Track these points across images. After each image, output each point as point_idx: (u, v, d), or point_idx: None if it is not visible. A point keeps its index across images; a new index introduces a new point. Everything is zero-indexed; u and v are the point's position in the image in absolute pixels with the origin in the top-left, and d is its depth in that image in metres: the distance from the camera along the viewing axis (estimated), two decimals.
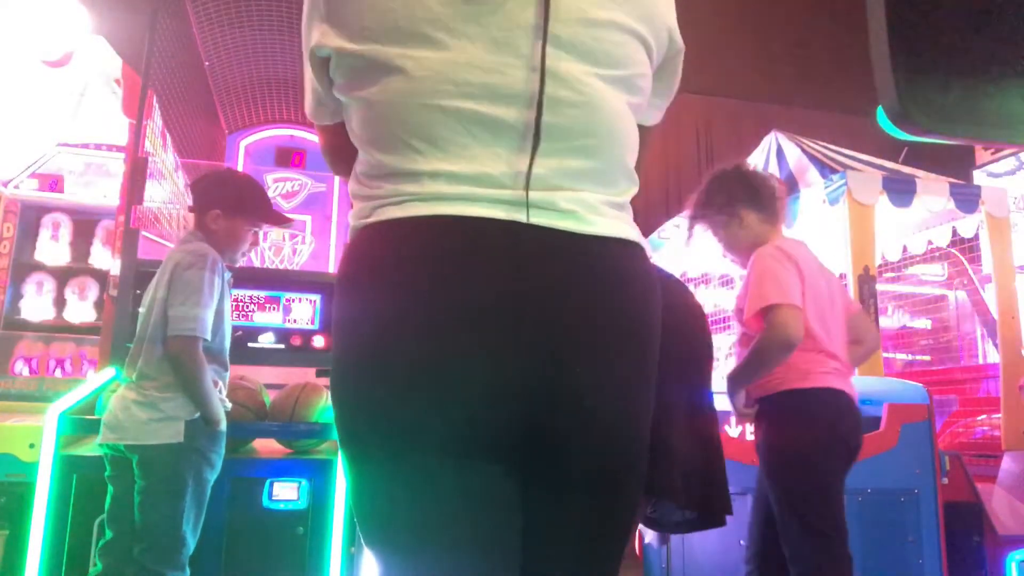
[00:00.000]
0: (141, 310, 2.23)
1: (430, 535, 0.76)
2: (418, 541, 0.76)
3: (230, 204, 2.26)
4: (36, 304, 3.91)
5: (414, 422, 0.77)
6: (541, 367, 0.79)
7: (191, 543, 2.05)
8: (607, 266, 0.85)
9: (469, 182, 0.81)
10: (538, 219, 0.81)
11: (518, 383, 0.78)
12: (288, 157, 7.27)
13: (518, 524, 0.81)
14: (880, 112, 0.51)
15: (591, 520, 0.85)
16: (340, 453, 0.84)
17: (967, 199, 4.14)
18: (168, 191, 3.90)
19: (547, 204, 0.83)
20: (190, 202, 2.35)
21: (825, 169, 4.21)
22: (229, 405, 2.22)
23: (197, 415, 2.06)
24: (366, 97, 0.86)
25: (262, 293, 2.96)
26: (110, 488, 2.11)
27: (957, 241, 4.57)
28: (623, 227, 0.88)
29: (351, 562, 2.42)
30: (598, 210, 0.86)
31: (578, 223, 0.84)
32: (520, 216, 0.81)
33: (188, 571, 2.06)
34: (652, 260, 0.93)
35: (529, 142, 0.82)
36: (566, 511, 0.84)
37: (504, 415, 0.78)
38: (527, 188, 0.82)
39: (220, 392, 2.18)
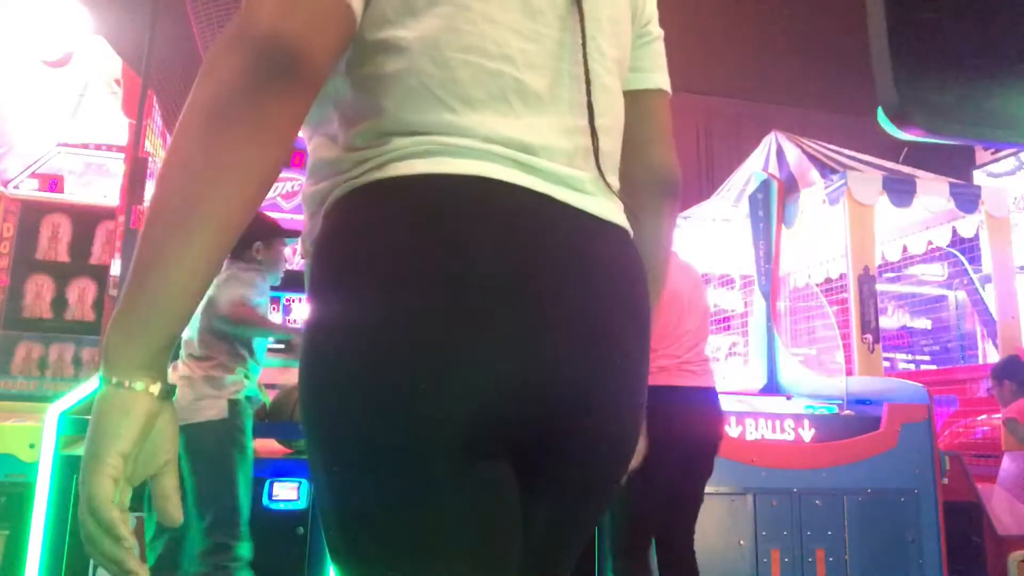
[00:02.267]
0: None
1: (441, 544, 0.68)
2: (428, 550, 0.68)
3: (265, 232, 2.44)
4: (36, 304, 3.91)
5: (446, 426, 0.67)
6: (571, 363, 0.71)
7: (246, 512, 2.13)
8: (628, 261, 0.80)
9: (508, 145, 0.73)
10: (574, 199, 0.75)
11: (550, 381, 0.70)
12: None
13: (520, 527, 0.75)
14: (880, 112, 0.51)
15: (588, 518, 0.81)
16: (321, 466, 0.70)
17: (967, 199, 4.15)
18: None
19: (579, 185, 0.76)
20: None
21: (825, 169, 4.22)
22: (263, 395, 2.37)
23: (238, 395, 2.19)
24: (404, 37, 0.73)
25: None
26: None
27: (957, 241, 4.57)
28: (624, 216, 0.84)
29: None
30: (614, 197, 0.82)
31: (604, 208, 0.78)
32: (556, 193, 0.74)
33: (250, 540, 2.13)
34: None
35: (573, 118, 0.78)
36: (570, 509, 0.79)
37: (532, 412, 0.71)
38: (574, 166, 0.76)
39: (253, 383, 2.31)
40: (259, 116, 0.63)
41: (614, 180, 0.84)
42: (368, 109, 0.74)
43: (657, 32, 0.96)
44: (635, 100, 0.92)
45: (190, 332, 2.28)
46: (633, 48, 0.92)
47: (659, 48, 0.96)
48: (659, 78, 0.95)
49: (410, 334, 0.67)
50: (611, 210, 0.80)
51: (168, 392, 0.64)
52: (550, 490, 0.77)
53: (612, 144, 0.84)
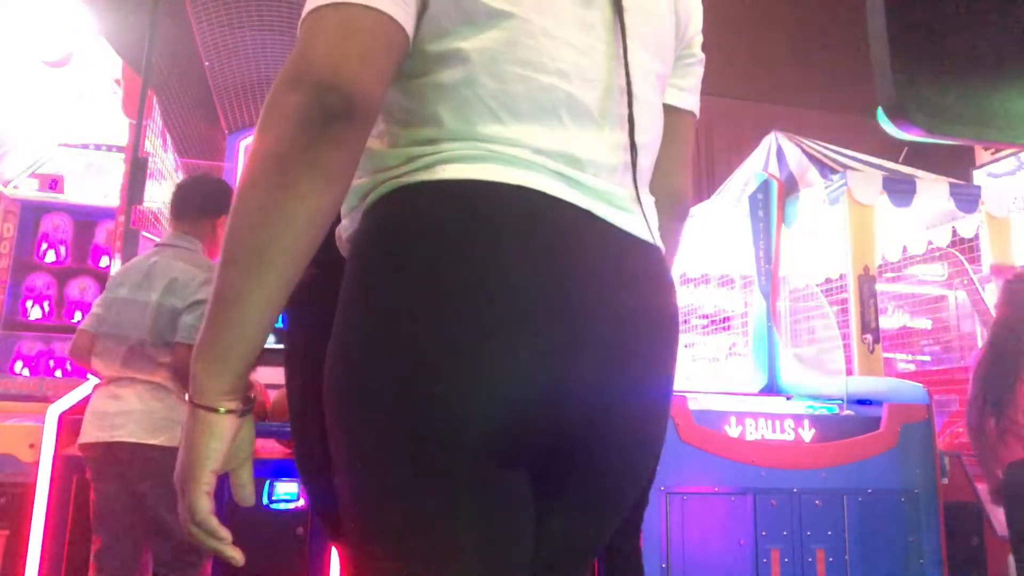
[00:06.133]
0: (102, 308, 2.21)
1: (452, 546, 0.68)
2: (438, 550, 0.68)
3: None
4: (36, 304, 3.91)
5: (469, 430, 0.67)
6: (596, 379, 0.71)
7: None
8: (660, 279, 0.80)
9: (555, 159, 0.73)
10: (614, 216, 0.76)
11: (575, 396, 0.71)
12: None
13: (531, 535, 0.75)
14: (880, 112, 0.51)
15: (602, 533, 0.81)
16: (343, 459, 0.72)
17: (967, 199, 4.15)
18: (168, 191, 3.90)
19: (621, 202, 0.77)
20: (176, 206, 2.34)
21: (825, 169, 4.21)
22: None
23: None
24: (463, 48, 0.73)
25: None
26: (98, 491, 2.08)
27: (957, 241, 4.57)
28: (657, 234, 0.83)
29: None
30: (650, 214, 0.83)
31: (640, 227, 0.79)
32: (596, 209, 0.74)
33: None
34: None
35: (618, 133, 0.78)
36: (586, 523, 0.79)
37: (557, 425, 0.71)
38: (615, 182, 0.77)
39: None
40: (318, 166, 0.66)
41: (647, 196, 0.84)
42: (420, 115, 0.74)
43: (700, 55, 0.94)
44: (666, 116, 0.90)
45: (147, 345, 2.09)
46: (674, 65, 0.91)
47: (699, 72, 0.95)
48: (693, 100, 0.94)
49: (441, 339, 0.67)
50: (646, 228, 0.80)
51: (247, 409, 0.71)
52: (570, 503, 0.77)
53: (649, 160, 0.84)
